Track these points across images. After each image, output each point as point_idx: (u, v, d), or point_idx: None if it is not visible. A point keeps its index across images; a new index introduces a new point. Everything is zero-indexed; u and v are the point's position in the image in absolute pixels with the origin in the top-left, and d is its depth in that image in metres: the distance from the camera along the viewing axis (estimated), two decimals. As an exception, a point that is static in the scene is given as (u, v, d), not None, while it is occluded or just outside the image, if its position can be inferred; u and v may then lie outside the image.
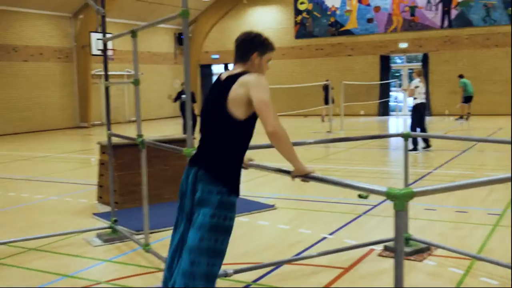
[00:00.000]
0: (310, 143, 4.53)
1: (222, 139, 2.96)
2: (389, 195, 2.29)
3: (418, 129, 11.66)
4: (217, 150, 2.97)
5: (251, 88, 2.86)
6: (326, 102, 19.80)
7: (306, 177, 2.98)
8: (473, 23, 21.95)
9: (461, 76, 20.21)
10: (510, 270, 4.17)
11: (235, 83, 2.92)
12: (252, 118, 2.96)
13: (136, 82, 4.87)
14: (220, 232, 2.90)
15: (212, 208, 2.87)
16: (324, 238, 5.37)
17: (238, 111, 2.90)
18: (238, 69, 3.05)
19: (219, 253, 2.92)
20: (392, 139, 13.84)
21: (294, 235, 5.52)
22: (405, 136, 4.86)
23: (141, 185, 4.84)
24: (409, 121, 19.84)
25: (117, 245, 5.33)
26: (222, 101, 2.92)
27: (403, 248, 2.27)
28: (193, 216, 2.92)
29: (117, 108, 23.08)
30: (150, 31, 24.97)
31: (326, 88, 19.90)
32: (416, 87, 11.80)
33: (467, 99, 19.82)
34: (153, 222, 5.69)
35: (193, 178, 2.96)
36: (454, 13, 22.20)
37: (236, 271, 4.08)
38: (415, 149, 11.54)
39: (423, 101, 11.90)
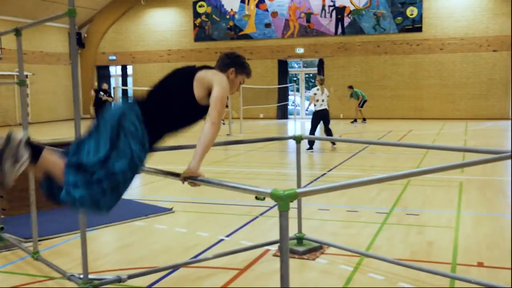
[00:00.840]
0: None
1: (167, 103, 3.17)
2: (274, 196, 2.37)
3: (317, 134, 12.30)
4: (156, 105, 3.15)
5: (216, 84, 3.18)
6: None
7: (192, 179, 3.08)
8: (364, 31, 23.04)
9: (350, 87, 20.95)
10: (395, 266, 4.43)
11: (209, 70, 3.31)
12: (200, 109, 3.22)
13: (22, 83, 4.66)
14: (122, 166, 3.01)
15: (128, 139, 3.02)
16: (221, 240, 5.41)
17: (198, 91, 3.19)
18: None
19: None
20: (290, 141, 14.18)
21: (191, 238, 5.51)
22: (297, 139, 5.01)
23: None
24: (308, 123, 20.46)
25: (3, 254, 5.06)
26: (191, 75, 3.23)
27: (288, 247, 2.34)
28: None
29: (7, 110, 21.88)
30: (43, 30, 23.94)
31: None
32: (314, 94, 12.46)
33: (363, 103, 20.71)
34: (44, 228, 5.46)
35: (127, 106, 3.10)
36: (347, 21, 23.17)
37: (130, 276, 4.01)
38: (311, 148, 12.16)
39: (321, 108, 12.48)
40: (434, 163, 9.77)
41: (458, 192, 7.55)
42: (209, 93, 3.17)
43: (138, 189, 8.32)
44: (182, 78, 3.26)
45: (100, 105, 18.02)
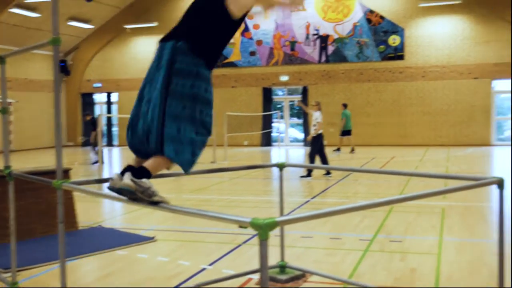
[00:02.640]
0: (188, 173, 4.51)
1: (209, 21, 3.11)
2: (253, 225, 2.36)
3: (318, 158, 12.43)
4: (201, 27, 3.09)
5: None
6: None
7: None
8: (348, 59, 23.32)
9: (345, 105, 20.19)
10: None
11: None
12: (238, 22, 3.17)
13: (4, 111, 4.62)
14: (203, 103, 3.03)
15: (191, 79, 2.98)
16: (204, 269, 5.35)
17: (234, 8, 3.09)
18: None
19: (205, 125, 3.06)
20: (275, 169, 14.18)
21: (173, 267, 5.45)
22: (280, 166, 5.01)
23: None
24: (292, 151, 20.43)
25: (-19, 285, 4.96)
26: None
27: (267, 276, 2.32)
28: (169, 86, 2.98)
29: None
30: (28, 57, 23.93)
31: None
32: (317, 120, 12.45)
33: (345, 132, 20.05)
34: (23, 258, 5.37)
35: (170, 50, 3.02)
36: (330, 49, 23.45)
37: (110, 307, 3.94)
38: (308, 175, 12.13)
39: (321, 131, 12.55)
40: (417, 189, 9.81)
41: (440, 218, 7.58)
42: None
43: (119, 217, 8.25)
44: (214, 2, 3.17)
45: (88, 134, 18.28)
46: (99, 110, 27.42)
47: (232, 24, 3.15)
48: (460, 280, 4.85)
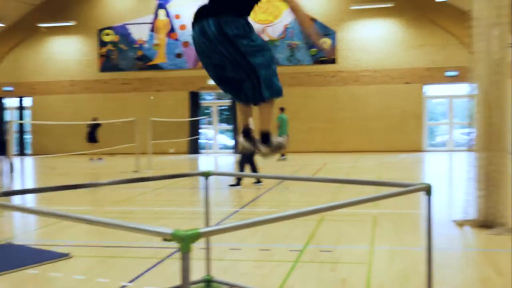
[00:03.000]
0: (100, 185, 4.41)
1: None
2: (175, 237, 2.33)
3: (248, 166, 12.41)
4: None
5: None
6: (93, 140, 20.15)
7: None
8: (279, 62, 23.60)
9: (282, 109, 20.10)
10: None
11: None
12: None
13: None
14: (267, 47, 3.94)
15: (249, 36, 3.75)
16: (124, 286, 5.24)
17: None
18: None
19: (273, 58, 4.04)
20: (202, 178, 14.12)
21: (91, 286, 5.30)
22: (205, 175, 4.99)
23: None
24: (221, 158, 20.47)
25: None
26: None
27: (187, 291, 2.29)
28: (238, 52, 3.75)
29: None
30: None
31: (93, 125, 20.21)
32: None
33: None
34: None
35: (215, 26, 3.66)
36: (261, 51, 23.63)
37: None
38: (238, 184, 12.16)
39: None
40: (349, 196, 10.01)
41: (372, 226, 7.77)
42: None
43: (32, 233, 7.95)
44: None
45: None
46: (10, 116, 26.41)
47: None
48: (391, 289, 4.99)
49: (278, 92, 4.06)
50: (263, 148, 4.03)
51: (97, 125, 20.81)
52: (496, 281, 5.24)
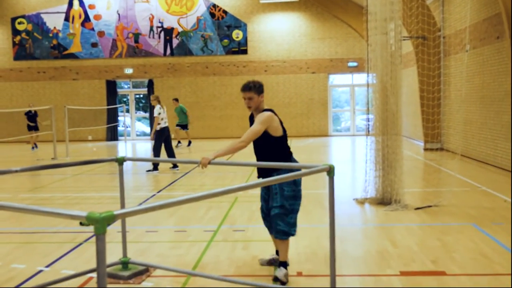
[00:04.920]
0: (17, 171, 4.22)
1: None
2: (89, 219, 2.28)
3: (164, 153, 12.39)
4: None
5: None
6: (34, 128, 19.23)
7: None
8: (193, 52, 23.42)
9: (176, 100, 19.37)
10: (221, 282, 4.49)
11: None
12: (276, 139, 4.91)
13: None
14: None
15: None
16: (41, 271, 5.06)
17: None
18: None
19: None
20: (124, 164, 13.82)
21: (5, 272, 5.07)
22: (119, 161, 4.90)
23: None
24: (139, 145, 20.12)
25: None
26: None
27: (104, 272, 2.25)
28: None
29: None
30: None
31: (30, 113, 19.30)
32: (159, 113, 12.21)
33: (183, 126, 19.32)
34: None
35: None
36: (175, 42, 23.38)
37: None
38: (155, 169, 12.04)
39: (166, 125, 12.38)
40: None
41: (281, 206, 7.90)
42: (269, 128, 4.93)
43: None
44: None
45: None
46: None
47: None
48: (297, 265, 5.12)
49: (281, 234, 4.73)
50: (277, 271, 4.65)
51: (34, 113, 19.58)
52: (392, 252, 5.50)
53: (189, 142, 19.55)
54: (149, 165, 12.78)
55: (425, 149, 15.57)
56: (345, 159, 15.26)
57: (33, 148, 19.22)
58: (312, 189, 9.21)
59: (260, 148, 4.88)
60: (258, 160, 4.91)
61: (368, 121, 8.67)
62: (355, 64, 23.03)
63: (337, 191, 8.18)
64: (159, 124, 12.28)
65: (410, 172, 10.88)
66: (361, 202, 8.15)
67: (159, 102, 12.48)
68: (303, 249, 5.65)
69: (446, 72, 15.17)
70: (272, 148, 4.83)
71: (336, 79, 23.97)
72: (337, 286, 4.03)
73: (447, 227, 6.54)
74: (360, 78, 22.90)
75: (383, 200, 7.97)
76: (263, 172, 4.88)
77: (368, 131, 8.55)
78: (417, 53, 15.41)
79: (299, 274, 4.83)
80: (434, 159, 13.43)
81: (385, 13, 7.85)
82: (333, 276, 3.92)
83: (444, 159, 13.44)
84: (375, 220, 7.22)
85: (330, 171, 3.89)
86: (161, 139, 12.36)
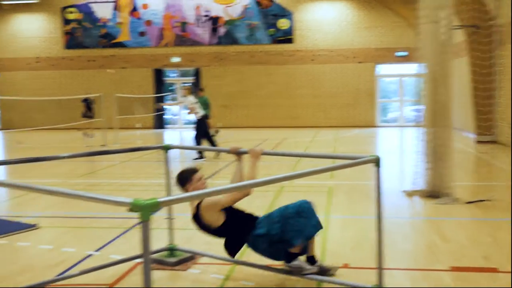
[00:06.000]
0: (64, 157, 4.31)
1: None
2: (134, 206, 2.30)
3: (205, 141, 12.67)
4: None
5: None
6: (88, 116, 19.51)
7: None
8: (239, 41, 23.43)
9: (201, 90, 16.29)
10: (266, 272, 4.49)
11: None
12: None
13: None
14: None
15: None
16: (90, 255, 5.18)
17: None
18: None
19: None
20: (170, 151, 14.01)
21: (56, 255, 5.22)
22: (165, 148, 4.96)
23: None
24: (185, 133, 20.33)
25: None
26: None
27: (149, 258, 2.28)
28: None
29: None
30: None
31: (86, 101, 19.62)
32: (196, 103, 12.53)
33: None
34: None
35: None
36: (222, 31, 23.44)
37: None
38: (201, 157, 12.24)
39: (202, 115, 12.64)
40: (306, 169, 10.10)
41: (327, 197, 7.86)
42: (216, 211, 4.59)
43: (0, 204, 7.77)
44: None
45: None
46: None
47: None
48: (343, 256, 5.07)
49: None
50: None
51: (91, 101, 19.93)
52: (441, 246, 5.38)
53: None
54: (195, 154, 12.91)
55: (477, 142, 15.15)
56: (393, 150, 15.02)
57: (90, 136, 19.22)
58: (359, 180, 9.11)
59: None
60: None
61: (418, 112, 8.49)
62: (404, 53, 22.56)
63: (385, 183, 8.05)
64: (197, 113, 12.59)
65: (461, 165, 10.61)
66: (410, 194, 8.00)
67: (190, 94, 12.86)
68: (349, 240, 5.59)
69: (501, 63, 14.69)
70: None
71: (383, 69, 23.56)
72: (385, 280, 3.97)
73: (500, 223, 6.35)
74: (409, 68, 22.43)
75: (433, 193, 7.79)
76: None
77: (419, 122, 8.37)
78: (469, 42, 14.97)
79: (345, 265, 4.77)
80: (487, 152, 13.06)
81: (436, 1, 7.64)
82: (380, 269, 3.86)
83: (497, 152, 13.06)
84: (424, 213, 7.08)
85: (377, 162, 3.83)
86: (202, 127, 12.64)
